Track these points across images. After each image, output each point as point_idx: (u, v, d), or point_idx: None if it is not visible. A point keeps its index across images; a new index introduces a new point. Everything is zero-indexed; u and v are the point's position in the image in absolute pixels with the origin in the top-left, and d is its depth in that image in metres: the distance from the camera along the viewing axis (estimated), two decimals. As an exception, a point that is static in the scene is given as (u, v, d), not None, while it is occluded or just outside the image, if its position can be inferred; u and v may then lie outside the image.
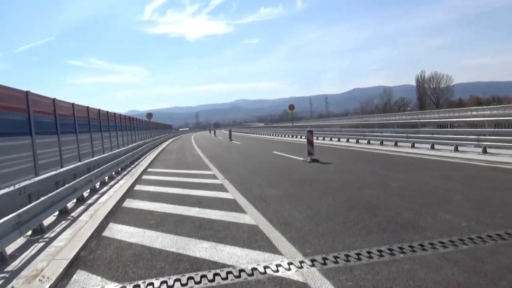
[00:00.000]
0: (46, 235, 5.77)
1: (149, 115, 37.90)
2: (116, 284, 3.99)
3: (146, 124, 36.62)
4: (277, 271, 4.04)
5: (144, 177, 12.70)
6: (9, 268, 4.45)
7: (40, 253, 4.98)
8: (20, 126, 8.54)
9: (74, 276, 4.29)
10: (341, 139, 24.82)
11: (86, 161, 10.68)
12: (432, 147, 15.51)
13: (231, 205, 7.45)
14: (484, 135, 13.27)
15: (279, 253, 4.55)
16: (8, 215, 4.74)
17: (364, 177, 10.08)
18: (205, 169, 14.03)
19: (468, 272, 3.73)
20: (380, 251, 4.42)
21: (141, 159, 19.91)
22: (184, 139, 55.47)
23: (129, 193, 9.62)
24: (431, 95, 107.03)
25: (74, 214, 7.22)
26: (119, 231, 6.04)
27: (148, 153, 24.19)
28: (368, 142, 20.86)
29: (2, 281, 4.11)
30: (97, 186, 10.14)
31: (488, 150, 12.92)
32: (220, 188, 9.57)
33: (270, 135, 45.35)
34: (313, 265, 4.12)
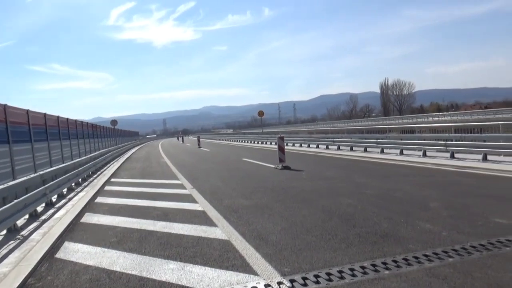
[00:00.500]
0: (-12, 259, 5.06)
1: (114, 122, 36.53)
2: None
3: (110, 132, 35.27)
4: (253, 295, 3.62)
5: (107, 188, 11.93)
6: None
7: (-21, 282, 4.31)
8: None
9: (17, 309, 3.68)
10: (310, 145, 24.77)
11: (41, 172, 9.85)
12: (401, 153, 15.63)
13: (201, 218, 6.96)
14: (451, 140, 13.47)
15: (255, 273, 4.13)
16: None
17: (338, 184, 9.85)
18: (173, 178, 13.41)
19: (459, 289, 3.46)
20: (363, 267, 4.09)
21: (105, 168, 18.93)
22: (151, 146, 54.01)
23: (89, 206, 8.90)
24: (394, 101, 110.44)
25: (24, 232, 6.48)
26: (75, 252, 5.41)
27: (112, 162, 23.13)
28: (338, 148, 20.88)
29: None
30: (54, 200, 9.34)
31: (456, 155, 13.11)
32: (189, 198, 9.04)
33: (239, 141, 44.93)
34: (292, 287, 3.73)
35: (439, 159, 13.15)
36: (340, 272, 4.00)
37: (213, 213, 7.23)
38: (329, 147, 22.05)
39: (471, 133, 15.41)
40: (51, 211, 8.29)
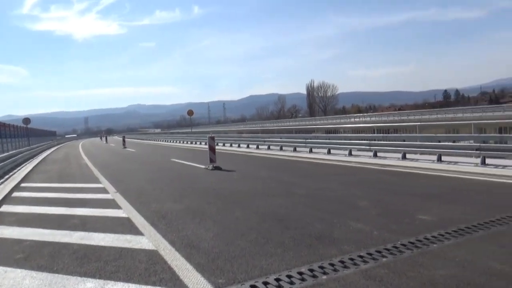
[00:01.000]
0: None
1: (26, 120, 33.18)
2: None
3: (22, 131, 31.93)
4: (185, 313, 3.25)
5: (16, 194, 10.58)
6: None
7: None
8: None
9: None
10: (241, 145, 24.70)
11: None
12: (329, 152, 16.14)
13: (125, 226, 6.35)
14: (374, 140, 14.18)
15: None
16: None
17: (270, 184, 9.77)
18: (94, 181, 12.36)
19: (395, 291, 3.44)
20: (301, 273, 3.92)
21: (14, 171, 16.95)
22: (70, 147, 50.12)
23: (-9, 216, 7.74)
24: (319, 102, 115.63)
25: None
26: (-32, 273, 4.55)
27: (25, 164, 20.87)
28: (268, 148, 21.04)
29: None
30: None
31: (378, 154, 13.82)
32: (111, 204, 8.29)
33: (168, 141, 43.53)
34: (228, 300, 3.43)
35: (363, 158, 13.76)
36: (278, 280, 3.79)
37: (139, 220, 6.66)
38: (260, 147, 22.14)
39: (388, 133, 16.38)
40: None
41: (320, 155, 16.06)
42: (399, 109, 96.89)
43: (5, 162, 15.99)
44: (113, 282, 3.98)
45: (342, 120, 68.00)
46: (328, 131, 25.03)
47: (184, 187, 10.01)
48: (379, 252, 4.40)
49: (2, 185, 12.33)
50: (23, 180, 13.74)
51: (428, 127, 19.17)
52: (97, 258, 4.75)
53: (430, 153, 12.08)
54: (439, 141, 12.23)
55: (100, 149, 36.36)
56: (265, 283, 3.73)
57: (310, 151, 17.29)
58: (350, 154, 14.91)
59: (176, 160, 18.43)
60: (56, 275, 4.29)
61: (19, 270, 4.52)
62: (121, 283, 3.94)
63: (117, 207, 7.93)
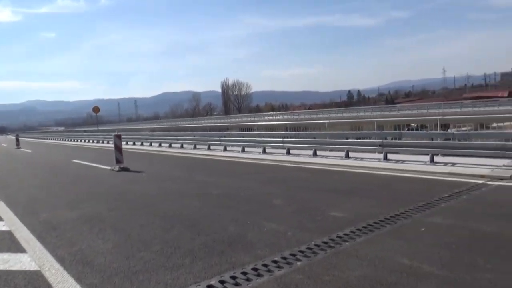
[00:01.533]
0: None
1: None
2: None
3: None
4: None
5: None
6: None
7: None
8: None
9: None
10: (153, 144, 23.49)
11: None
12: (243, 150, 16.01)
13: (4, 241, 5.34)
14: (287, 137, 14.38)
15: (72, 317, 3.11)
16: None
17: (182, 185, 9.22)
18: (-28, 188, 10.52)
19: (311, 298, 3.22)
20: (210, 286, 3.53)
21: None
22: (-51, 148, 43.24)
23: None
24: (234, 101, 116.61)
25: None
26: None
27: None
28: (182, 146, 20.27)
29: None
30: None
31: (291, 151, 14.04)
32: (-10, 215, 7.01)
33: (72, 140, 39.94)
34: (123, 329, 2.89)
35: (277, 156, 13.87)
36: (184, 297, 3.34)
37: (23, 233, 5.66)
38: (172, 145, 21.25)
39: (299, 130, 16.79)
40: None
41: (234, 153, 15.85)
42: (309, 108, 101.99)
43: None
44: (-27, 319, 3.16)
45: (256, 118, 69.19)
46: (243, 129, 25.03)
47: (84, 192, 8.97)
48: (294, 255, 4.19)
49: None
50: None
51: (335, 125, 20.16)
52: (-43, 288, 3.81)
53: (339, 150, 12.57)
54: (347, 138, 12.80)
55: (-12, 150, 31.88)
56: (170, 303, 3.26)
57: (225, 149, 17.00)
58: (264, 152, 14.95)
59: (79, 161, 16.75)
60: None
61: None
62: (-16, 320, 3.14)
63: (-3, 218, 6.72)
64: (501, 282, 3.31)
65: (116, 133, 13.79)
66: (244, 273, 3.77)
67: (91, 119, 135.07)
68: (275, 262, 4.03)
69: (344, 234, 4.80)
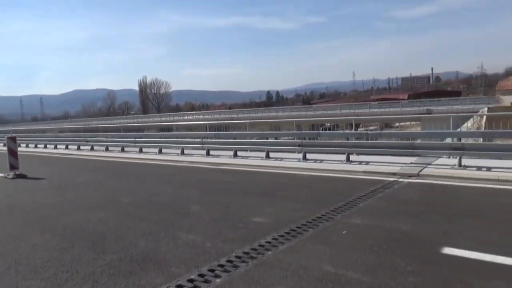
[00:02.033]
0: None
1: None
2: None
3: None
4: None
5: None
6: None
7: None
8: None
9: None
10: (58, 146, 21.27)
11: None
12: (160, 151, 15.15)
13: None
14: (207, 138, 13.90)
15: None
16: None
17: (88, 193, 8.25)
18: None
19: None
20: (112, 320, 2.96)
21: None
22: None
23: None
24: (152, 100, 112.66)
25: None
26: None
27: None
28: (92, 149, 18.62)
29: None
30: None
31: (211, 152, 13.58)
32: None
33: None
34: None
35: (196, 157, 13.31)
36: (77, 338, 2.73)
37: None
38: (81, 147, 19.44)
39: (220, 130, 16.44)
40: None
41: (151, 155, 14.91)
42: (230, 108, 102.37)
43: None
44: None
45: (176, 118, 67.40)
46: (162, 129, 23.90)
47: (-36, 206, 7.54)
48: (213, 270, 3.78)
49: None
50: None
51: (256, 125, 20.19)
52: None
53: (259, 150, 12.44)
54: (267, 138, 12.73)
55: None
56: None
57: (140, 151, 15.93)
58: (182, 153, 14.28)
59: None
60: None
61: None
62: None
63: None
64: (424, 286, 3.26)
65: (9, 135, 12.04)
66: (155, 299, 3.26)
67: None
68: (191, 281, 3.58)
69: (267, 242, 4.51)
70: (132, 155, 15.48)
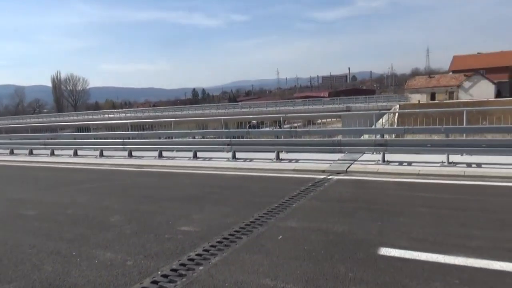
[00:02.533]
0: None
1: None
2: None
3: None
4: None
5: None
6: None
7: None
8: None
9: None
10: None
11: None
12: (76, 154, 13.76)
13: None
14: (129, 138, 12.92)
15: None
16: None
17: (-17, 207, 7.02)
18: None
19: None
20: None
21: None
22: None
23: None
24: (68, 97, 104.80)
25: None
26: None
27: None
28: (-7, 152, 16.38)
29: None
30: None
31: (134, 153, 12.64)
32: None
33: None
34: None
35: (117, 159, 12.30)
36: None
37: None
38: (-20, 151, 17.02)
39: (144, 130, 15.48)
40: None
41: (64, 158, 13.47)
42: (154, 105, 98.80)
43: None
44: None
45: (95, 116, 63.18)
46: (80, 128, 21.95)
47: None
48: (135, 296, 3.25)
49: None
50: None
51: (182, 123, 19.41)
52: None
53: (186, 150, 11.83)
54: (194, 137, 12.18)
55: None
56: None
57: (52, 154, 14.31)
58: (101, 155, 13.11)
59: None
60: None
61: None
62: None
63: None
64: (367, 294, 3.09)
65: None
66: None
67: None
68: (108, 313, 3.01)
69: (197, 255, 4.07)
70: (42, 158, 13.85)
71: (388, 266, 3.57)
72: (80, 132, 18.20)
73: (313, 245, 4.18)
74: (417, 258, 3.71)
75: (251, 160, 10.40)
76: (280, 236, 4.53)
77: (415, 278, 3.31)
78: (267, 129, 13.33)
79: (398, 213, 5.19)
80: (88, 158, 12.91)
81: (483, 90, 48.34)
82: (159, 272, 3.69)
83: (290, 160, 9.77)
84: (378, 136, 9.30)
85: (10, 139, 16.60)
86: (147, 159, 11.83)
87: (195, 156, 11.31)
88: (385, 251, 3.91)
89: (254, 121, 34.30)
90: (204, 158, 11.15)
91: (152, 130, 15.65)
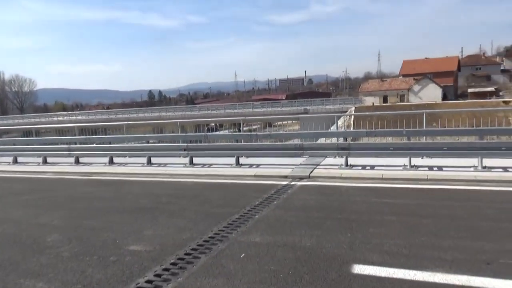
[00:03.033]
0: None
1: None
2: None
3: None
4: None
5: None
6: None
7: None
8: None
9: None
10: None
11: None
12: (15, 161, 12.51)
13: None
14: (75, 143, 11.91)
15: None
16: None
17: None
18: None
19: None
20: None
21: None
22: None
23: None
24: (13, 99, 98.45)
25: None
26: None
27: None
28: None
29: None
30: None
31: (81, 159, 11.66)
32: None
33: None
34: None
35: (63, 166, 11.27)
36: None
37: None
38: None
39: (95, 134, 14.45)
40: None
41: (3, 166, 12.19)
42: (108, 108, 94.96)
43: None
44: None
45: (42, 119, 59.52)
46: (25, 132, 20.24)
47: None
48: None
49: None
50: None
51: (136, 126, 18.44)
52: None
53: (139, 155, 11.04)
54: (148, 142, 11.42)
55: None
56: None
57: (-12, 162, 12.95)
58: (45, 162, 11.99)
59: None
60: None
61: None
62: None
63: None
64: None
65: None
66: None
67: None
68: None
69: (147, 282, 3.51)
70: (-25, 167, 12.46)
71: (364, 288, 3.21)
72: (26, 137, 16.70)
73: (280, 264, 3.75)
74: (394, 276, 3.39)
75: (209, 165, 9.84)
76: (243, 254, 4.06)
77: (394, 301, 2.97)
78: (226, 132, 12.79)
79: (367, 223, 4.89)
80: (30, 166, 11.76)
81: (431, 93, 50.81)
82: (100, 307, 3.10)
83: (250, 165, 9.33)
84: (341, 139, 9.08)
85: None
86: (96, 166, 10.92)
87: (149, 162, 10.57)
88: (358, 268, 3.56)
89: (213, 124, 33.59)
90: (159, 164, 10.44)
91: (106, 134, 14.62)
